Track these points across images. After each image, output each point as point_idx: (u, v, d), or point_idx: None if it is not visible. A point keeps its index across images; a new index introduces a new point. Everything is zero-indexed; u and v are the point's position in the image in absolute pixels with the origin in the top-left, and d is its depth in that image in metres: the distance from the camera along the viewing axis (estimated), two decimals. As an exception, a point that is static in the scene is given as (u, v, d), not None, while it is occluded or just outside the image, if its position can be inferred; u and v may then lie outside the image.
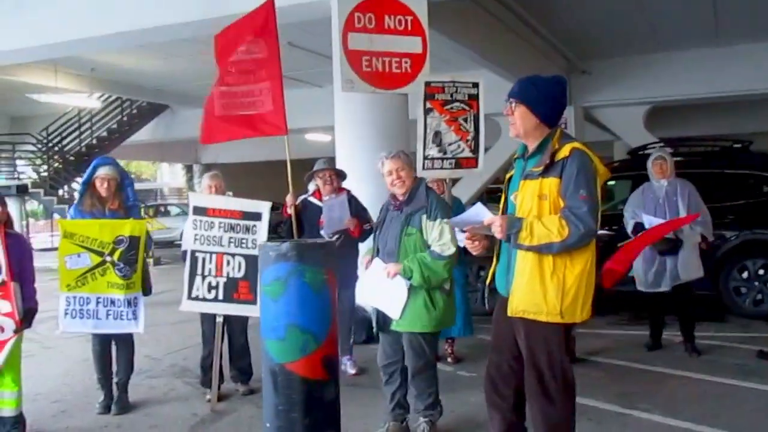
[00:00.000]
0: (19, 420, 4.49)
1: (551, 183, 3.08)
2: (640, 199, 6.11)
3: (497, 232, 3.09)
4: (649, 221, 5.88)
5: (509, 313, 3.21)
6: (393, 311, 3.90)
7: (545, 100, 3.22)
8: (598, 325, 7.18)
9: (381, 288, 3.93)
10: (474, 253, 3.33)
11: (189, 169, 28.32)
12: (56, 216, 4.76)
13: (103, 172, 4.89)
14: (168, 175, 40.28)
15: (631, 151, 9.00)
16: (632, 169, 7.79)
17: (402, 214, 4.00)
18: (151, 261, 15.86)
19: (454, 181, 16.19)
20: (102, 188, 4.88)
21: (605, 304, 7.33)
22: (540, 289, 3.10)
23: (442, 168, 5.41)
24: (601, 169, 3.16)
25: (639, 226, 5.98)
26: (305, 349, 2.53)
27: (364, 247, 5.28)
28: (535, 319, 3.13)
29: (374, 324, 4.13)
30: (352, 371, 5.62)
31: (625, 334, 6.83)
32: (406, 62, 6.50)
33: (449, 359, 6.01)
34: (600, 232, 3.32)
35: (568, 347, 3.32)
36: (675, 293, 5.96)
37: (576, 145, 3.11)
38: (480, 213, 3.18)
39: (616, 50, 13.78)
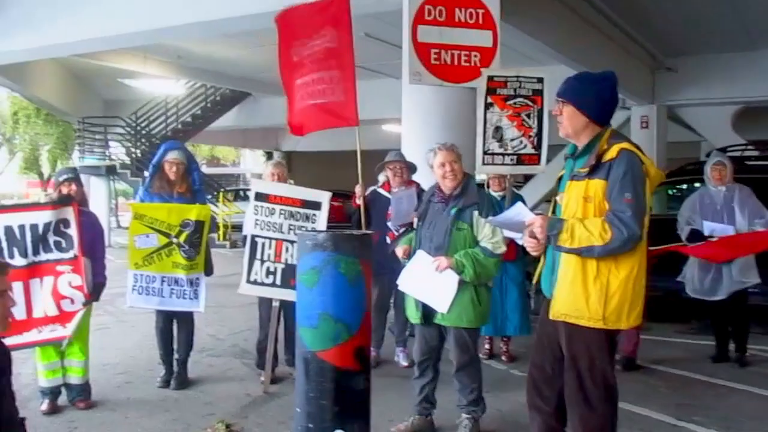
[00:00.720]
0: (85, 388, 4.77)
1: (597, 185, 3.01)
2: (695, 205, 5.90)
3: (537, 233, 3.05)
4: (711, 228, 5.67)
5: (551, 316, 3.17)
6: (441, 305, 3.90)
7: (593, 98, 3.14)
8: (665, 332, 7.00)
9: (427, 281, 3.93)
10: (533, 253, 3.29)
11: (269, 155, 28.93)
12: (131, 199, 5.02)
13: (172, 156, 5.08)
14: (250, 161, 41.25)
15: (709, 154, 8.64)
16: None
17: (448, 207, 3.99)
18: (227, 243, 16.48)
19: (527, 178, 16.05)
20: (170, 172, 5.07)
21: (675, 311, 7.15)
22: (582, 293, 3.04)
23: (502, 164, 5.34)
24: (652, 171, 3.06)
25: (696, 234, 5.76)
26: (337, 339, 2.57)
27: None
28: (576, 324, 3.08)
29: (415, 316, 4.12)
30: (405, 363, 5.66)
31: (693, 343, 6.60)
32: (475, 56, 6.44)
33: (503, 357, 5.97)
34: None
35: (614, 353, 3.24)
36: (731, 302, 5.73)
37: (625, 145, 3.02)
38: (521, 213, 3.15)
39: (703, 47, 13.17)
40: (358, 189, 5.37)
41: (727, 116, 14.89)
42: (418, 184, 5.61)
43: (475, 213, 3.94)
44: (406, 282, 4.06)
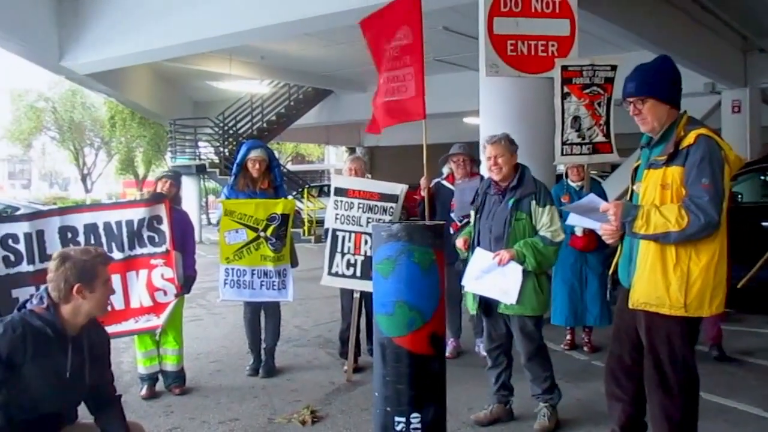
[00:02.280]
0: (179, 374, 5.06)
1: (675, 171, 2.99)
2: None
3: (612, 220, 3.05)
4: None
5: (630, 306, 3.17)
6: (509, 297, 3.93)
7: (667, 84, 3.12)
8: (757, 323, 6.76)
9: (490, 275, 3.97)
10: (609, 241, 3.29)
11: (352, 151, 29.33)
12: (221, 196, 5.27)
13: (254, 154, 5.31)
14: (334, 157, 41.87)
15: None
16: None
17: (506, 199, 4.03)
18: (312, 238, 16.86)
19: (613, 168, 15.62)
20: (254, 169, 5.30)
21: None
22: (662, 281, 3.02)
23: (580, 153, 5.30)
24: (731, 156, 3.00)
25: None
26: (412, 325, 2.66)
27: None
28: (657, 312, 3.07)
29: (473, 307, 4.18)
30: (485, 353, 5.69)
31: (787, 334, 6.35)
32: (552, 45, 6.39)
33: (585, 348, 5.91)
34: None
35: (695, 341, 3.20)
36: None
37: (702, 131, 2.98)
38: (594, 201, 3.16)
39: (800, 25, 12.53)
40: (423, 181, 5.46)
41: (828, 98, 14.09)
42: (482, 176, 5.63)
43: (533, 203, 3.97)
44: (470, 281, 4.11)
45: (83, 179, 34.37)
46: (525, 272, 3.93)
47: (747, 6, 11.27)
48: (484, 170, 5.72)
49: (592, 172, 18.45)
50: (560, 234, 3.95)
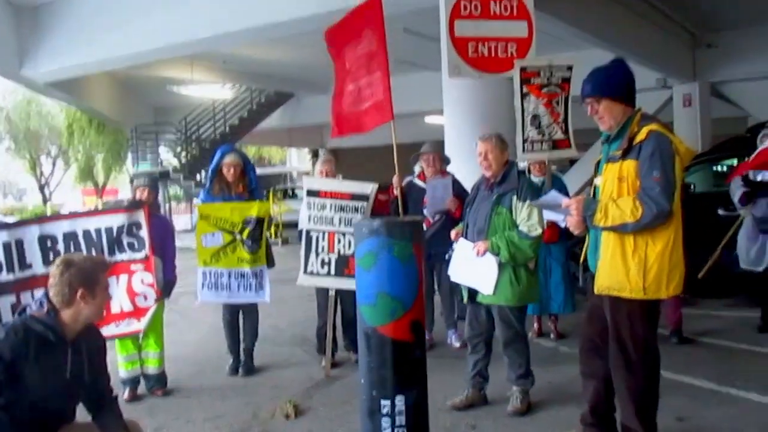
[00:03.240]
0: (161, 377, 5.18)
1: (629, 165, 3.24)
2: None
3: (574, 214, 3.31)
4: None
5: (596, 291, 3.43)
6: (485, 287, 4.18)
7: (619, 85, 3.38)
8: (713, 306, 7.13)
9: (470, 266, 4.23)
10: (576, 232, 3.53)
11: (315, 153, 29.40)
12: (196, 200, 5.43)
13: (228, 159, 5.45)
14: (296, 160, 41.86)
15: (750, 129, 8.66)
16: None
17: (493, 193, 4.26)
18: (279, 241, 16.94)
19: (572, 162, 16.01)
20: (228, 174, 5.43)
21: (724, 286, 7.24)
22: (622, 266, 3.28)
23: (541, 150, 5.57)
24: (682, 148, 3.26)
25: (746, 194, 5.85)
26: (394, 314, 2.86)
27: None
28: (619, 296, 3.32)
29: (464, 297, 4.43)
30: (457, 344, 5.92)
31: (740, 316, 6.71)
32: (511, 46, 6.67)
33: (552, 335, 6.18)
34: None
35: (655, 322, 3.43)
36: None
37: (653, 127, 3.24)
38: (556, 197, 3.43)
39: (743, 21, 13.04)
40: (395, 179, 5.66)
41: (773, 90, 14.67)
42: (452, 175, 5.85)
43: (514, 198, 4.20)
44: (454, 271, 4.37)
45: (41, 189, 33.80)
46: (501, 264, 4.15)
47: (694, 3, 11.73)
48: (456, 165, 5.98)
49: (552, 166, 18.85)
50: (537, 228, 4.16)
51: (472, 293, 4.33)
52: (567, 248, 6.26)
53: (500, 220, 4.20)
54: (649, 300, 3.28)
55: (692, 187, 9.65)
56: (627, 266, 3.27)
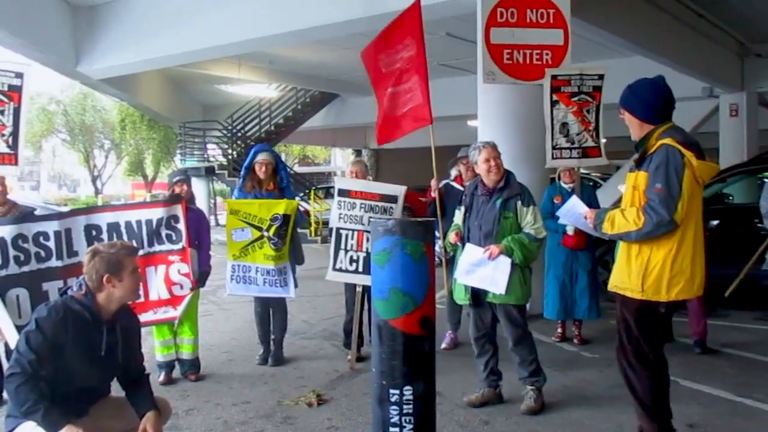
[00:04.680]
0: (195, 363, 5.45)
1: (641, 176, 3.42)
2: None
3: (589, 222, 3.51)
4: None
5: (608, 288, 3.62)
6: (498, 287, 4.33)
7: (640, 103, 3.52)
8: (742, 318, 7.09)
9: (481, 268, 4.38)
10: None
11: (358, 153, 29.71)
12: (232, 196, 5.67)
13: (261, 157, 5.70)
14: (340, 159, 42.27)
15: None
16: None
17: (493, 199, 4.44)
18: (318, 239, 17.23)
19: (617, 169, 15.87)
20: (260, 172, 5.68)
21: (754, 299, 7.21)
22: (626, 268, 3.50)
23: (570, 157, 5.67)
24: (695, 162, 3.34)
25: None
26: (405, 309, 3.03)
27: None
28: (623, 294, 3.50)
29: (464, 299, 4.55)
30: (443, 346, 6.07)
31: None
32: (547, 54, 6.77)
33: (575, 340, 6.26)
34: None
35: (655, 325, 3.53)
36: None
37: (666, 141, 3.36)
38: (575, 205, 3.63)
39: (794, 31, 12.83)
40: (433, 183, 5.82)
41: (823, 101, 14.40)
42: None
43: (519, 203, 4.41)
44: (462, 274, 4.51)
45: (93, 181, 34.91)
46: (513, 265, 4.32)
47: (742, 13, 11.59)
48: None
49: (594, 174, 18.75)
50: (543, 231, 4.41)
51: (479, 295, 4.46)
52: (594, 255, 6.34)
53: (508, 223, 4.40)
54: (649, 301, 3.42)
55: (730, 198, 9.60)
56: (630, 268, 3.48)
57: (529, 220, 4.39)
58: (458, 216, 4.72)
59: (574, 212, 3.80)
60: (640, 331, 3.47)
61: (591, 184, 13.15)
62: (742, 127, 14.27)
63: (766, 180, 8.93)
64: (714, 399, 4.64)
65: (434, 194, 5.86)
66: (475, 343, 4.63)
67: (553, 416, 4.38)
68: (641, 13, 9.84)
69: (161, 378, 5.28)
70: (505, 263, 4.32)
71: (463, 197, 4.70)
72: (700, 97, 14.33)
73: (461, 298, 4.60)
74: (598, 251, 6.92)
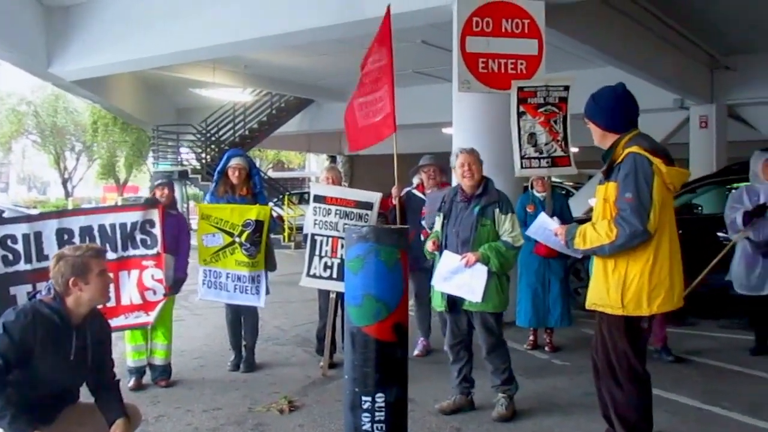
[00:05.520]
0: (166, 368, 5.40)
1: (610, 187, 3.40)
2: (742, 198, 6.08)
3: (560, 239, 3.50)
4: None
5: (587, 306, 3.61)
6: (475, 295, 4.34)
7: (601, 111, 3.54)
8: (709, 327, 7.21)
9: (458, 276, 4.38)
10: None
11: (333, 159, 29.72)
12: (204, 200, 5.64)
13: (234, 162, 5.67)
14: (315, 165, 42.21)
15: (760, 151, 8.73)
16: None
17: (471, 206, 4.44)
18: (291, 244, 17.17)
19: (588, 178, 16.04)
20: (233, 176, 5.65)
21: (720, 308, 7.34)
22: (604, 284, 3.45)
23: (539, 167, 5.72)
24: (663, 169, 3.34)
25: (751, 212, 5.91)
26: (378, 316, 3.04)
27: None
28: (603, 311, 3.48)
29: (441, 305, 4.55)
30: (416, 353, 6.08)
31: (734, 337, 6.79)
32: (521, 63, 6.84)
33: (547, 348, 6.31)
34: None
35: (641, 338, 3.54)
36: None
37: (633, 149, 3.36)
38: (545, 222, 3.64)
39: (763, 44, 13.08)
40: (394, 190, 5.83)
41: (790, 115, 14.73)
42: (450, 186, 6.00)
43: (497, 210, 4.42)
44: (439, 282, 4.51)
45: (64, 183, 34.43)
46: (489, 272, 4.33)
47: (712, 26, 11.81)
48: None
49: (567, 183, 18.92)
50: (520, 239, 4.40)
51: (456, 302, 4.47)
52: (566, 264, 6.41)
53: (485, 231, 4.39)
54: (629, 316, 3.41)
55: (700, 208, 9.75)
56: (608, 283, 3.43)
57: (507, 227, 4.39)
58: (437, 222, 4.71)
59: (543, 229, 3.83)
60: (630, 345, 3.43)
61: (564, 192, 13.29)
62: (711, 138, 14.52)
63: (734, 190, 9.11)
64: (682, 407, 4.70)
65: (395, 201, 5.88)
66: (450, 349, 4.64)
67: (525, 423, 4.41)
68: (615, 25, 9.98)
69: (131, 383, 5.22)
70: (481, 271, 4.32)
71: (442, 204, 4.69)
72: (672, 109, 14.56)
73: (438, 304, 4.61)
74: (570, 260, 7.01)
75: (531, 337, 6.43)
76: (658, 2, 10.32)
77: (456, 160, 4.56)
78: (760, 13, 11.05)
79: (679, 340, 6.31)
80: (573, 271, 7.71)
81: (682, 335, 6.65)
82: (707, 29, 12.02)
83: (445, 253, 4.49)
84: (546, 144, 5.64)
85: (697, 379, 5.38)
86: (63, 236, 4.77)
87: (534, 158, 5.67)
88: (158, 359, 5.35)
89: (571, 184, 19.16)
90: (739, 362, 5.83)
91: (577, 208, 10.24)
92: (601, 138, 3.56)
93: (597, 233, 3.36)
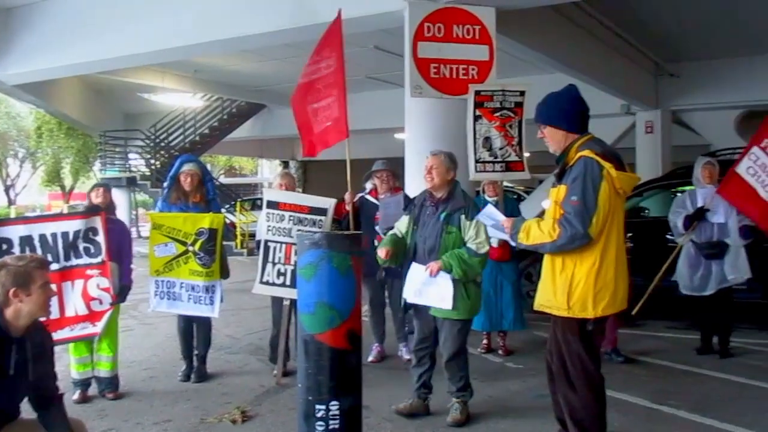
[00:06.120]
0: (113, 380, 5.24)
1: (561, 190, 3.44)
2: (686, 203, 6.24)
3: (507, 232, 3.52)
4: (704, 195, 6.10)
5: (534, 308, 3.62)
6: (444, 303, 4.30)
7: (563, 113, 3.56)
8: (656, 328, 7.37)
9: (426, 286, 4.34)
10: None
11: (286, 165, 29.49)
12: (156, 207, 5.51)
13: (187, 168, 5.55)
14: (267, 171, 41.85)
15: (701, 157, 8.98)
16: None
17: (438, 212, 4.40)
18: (244, 251, 16.95)
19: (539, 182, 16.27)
20: (186, 183, 5.52)
21: (666, 308, 7.50)
22: (551, 286, 3.48)
23: (493, 171, 5.76)
24: (614, 174, 3.38)
25: (692, 215, 6.10)
26: (331, 323, 3.01)
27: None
28: (551, 313, 3.50)
29: (409, 309, 4.54)
30: (407, 357, 6.04)
31: (681, 337, 6.96)
32: (473, 69, 6.90)
33: (500, 351, 6.34)
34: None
35: (593, 340, 3.56)
36: (717, 297, 6.08)
37: (584, 153, 3.40)
38: (492, 213, 3.63)
39: (705, 53, 13.51)
40: (347, 196, 5.79)
41: (731, 120, 15.20)
42: (403, 190, 6.02)
43: (462, 217, 4.35)
44: (410, 293, 4.46)
45: (6, 191, 33.36)
46: (453, 280, 4.28)
47: (656, 34, 12.12)
48: (415, 183, 6.13)
49: (518, 188, 19.21)
50: (485, 246, 4.33)
51: (421, 309, 4.43)
52: (518, 267, 6.46)
53: (450, 239, 4.33)
54: (577, 318, 3.43)
55: (647, 211, 9.97)
56: (555, 285, 3.47)
57: (471, 234, 4.32)
58: (401, 223, 4.65)
59: (493, 217, 3.84)
60: (584, 347, 3.44)
61: (515, 197, 13.44)
62: (657, 143, 14.89)
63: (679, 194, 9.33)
64: (632, 407, 4.78)
65: (348, 207, 5.85)
66: (414, 353, 4.61)
67: (479, 427, 4.41)
68: (564, 32, 10.14)
69: (76, 396, 5.06)
70: (446, 279, 4.28)
71: (412, 207, 4.64)
72: (619, 114, 14.87)
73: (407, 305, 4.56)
74: (521, 263, 7.08)
75: (485, 341, 6.46)
76: (605, 10, 10.56)
77: (425, 162, 4.52)
78: (701, 22, 11.41)
79: (628, 341, 6.42)
80: (525, 274, 7.80)
81: (631, 336, 6.77)
82: (652, 37, 12.34)
83: (413, 265, 4.44)
84: (501, 149, 5.69)
85: (646, 379, 5.47)
86: (1, 246, 4.63)
87: (489, 162, 5.70)
88: (103, 371, 5.18)
89: (522, 188, 19.42)
90: (686, 361, 5.97)
91: (528, 213, 10.35)
92: (563, 140, 3.55)
93: (540, 231, 3.40)
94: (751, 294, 6.87)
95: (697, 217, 6.09)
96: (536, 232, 3.41)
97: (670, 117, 15.29)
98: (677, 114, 15.56)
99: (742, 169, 6.13)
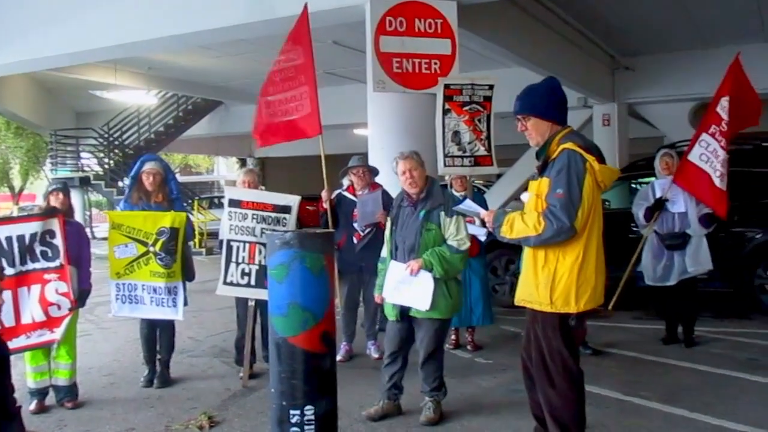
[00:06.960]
0: (72, 389, 5.04)
1: (543, 182, 3.37)
2: (648, 195, 6.31)
3: (488, 225, 3.45)
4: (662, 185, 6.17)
5: (515, 302, 3.55)
6: (423, 303, 4.21)
7: (549, 103, 3.49)
8: (623, 319, 7.42)
9: (405, 285, 4.25)
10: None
11: (243, 162, 29.12)
12: (117, 208, 5.30)
13: (148, 166, 5.36)
14: (224, 168, 41.32)
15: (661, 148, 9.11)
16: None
17: (417, 210, 4.31)
18: (203, 251, 16.67)
19: (498, 176, 16.39)
20: (148, 182, 5.34)
21: (632, 299, 7.57)
22: (533, 280, 3.41)
23: (462, 165, 5.72)
24: (597, 167, 3.33)
25: (653, 206, 6.18)
26: (305, 325, 2.91)
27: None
28: (533, 308, 3.44)
29: (392, 314, 4.40)
30: (376, 355, 5.98)
31: (647, 328, 7.02)
32: (435, 63, 6.85)
33: (469, 347, 6.31)
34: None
35: (573, 336, 3.52)
36: (680, 288, 6.15)
37: (567, 145, 3.34)
38: (472, 206, 3.56)
39: (658, 47, 13.76)
40: (324, 194, 5.69)
41: (685, 112, 15.49)
42: (381, 187, 5.94)
43: (442, 214, 4.26)
44: (389, 293, 4.36)
45: (-48, 193, 32.26)
46: (434, 279, 4.19)
47: (613, 28, 12.27)
48: (383, 181, 6.06)
49: (477, 181, 19.25)
50: (465, 242, 4.25)
51: (404, 311, 4.33)
52: (486, 262, 6.43)
53: (430, 236, 4.25)
54: (559, 313, 3.38)
55: (608, 203, 10.08)
56: (537, 279, 3.40)
57: (452, 231, 4.23)
58: (388, 229, 4.55)
59: (469, 212, 3.77)
60: (564, 343, 3.39)
61: (476, 191, 13.42)
62: (613, 135, 15.10)
63: (640, 187, 9.45)
64: (603, 399, 4.78)
65: (326, 205, 5.74)
66: (389, 355, 4.49)
67: (453, 425, 4.35)
68: (523, 26, 10.17)
69: (33, 407, 4.84)
70: (426, 278, 4.19)
71: (391, 209, 4.54)
72: (576, 107, 15.02)
73: (390, 314, 4.43)
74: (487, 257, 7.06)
75: (453, 337, 6.41)
76: (563, 4, 10.64)
77: (397, 166, 4.40)
78: (655, 16, 11.57)
79: (596, 333, 6.44)
80: (490, 268, 7.79)
81: (598, 328, 6.81)
82: (608, 31, 12.50)
83: (392, 263, 4.35)
84: (469, 143, 5.65)
85: (616, 371, 5.50)
86: (-47, 251, 4.40)
87: (457, 157, 5.66)
88: (62, 380, 4.97)
89: (481, 182, 19.49)
90: (652, 352, 6.03)
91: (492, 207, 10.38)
92: (547, 130, 3.47)
93: (525, 224, 3.32)
94: (710, 283, 7.00)
95: (657, 207, 6.16)
96: (520, 226, 3.33)
97: (627, 110, 15.54)
98: (633, 107, 15.81)
99: (695, 156, 6.20)
